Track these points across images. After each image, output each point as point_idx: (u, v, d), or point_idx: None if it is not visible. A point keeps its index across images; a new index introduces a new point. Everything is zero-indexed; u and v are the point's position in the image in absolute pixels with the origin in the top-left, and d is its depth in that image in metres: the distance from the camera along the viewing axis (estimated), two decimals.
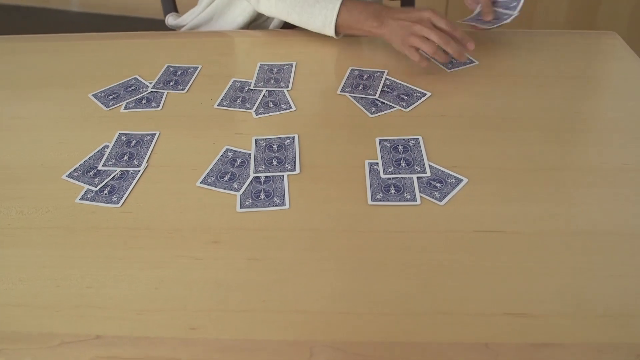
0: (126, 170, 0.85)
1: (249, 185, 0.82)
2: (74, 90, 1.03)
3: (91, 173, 0.85)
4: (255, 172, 0.84)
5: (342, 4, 1.03)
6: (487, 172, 0.83)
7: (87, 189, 0.82)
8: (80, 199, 0.81)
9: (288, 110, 0.96)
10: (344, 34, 1.08)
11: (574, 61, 1.07)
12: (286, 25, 1.22)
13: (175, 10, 1.44)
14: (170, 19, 1.39)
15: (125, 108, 0.98)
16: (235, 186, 0.82)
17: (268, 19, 1.25)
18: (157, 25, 2.62)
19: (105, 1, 2.86)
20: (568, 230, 0.74)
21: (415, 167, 0.84)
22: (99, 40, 1.19)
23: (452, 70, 1.05)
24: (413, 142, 0.89)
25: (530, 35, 1.15)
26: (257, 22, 1.25)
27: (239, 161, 0.86)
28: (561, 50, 1.10)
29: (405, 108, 0.96)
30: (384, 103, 0.97)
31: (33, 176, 0.85)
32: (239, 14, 1.23)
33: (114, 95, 1.01)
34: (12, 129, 0.95)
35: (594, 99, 0.98)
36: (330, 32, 1.05)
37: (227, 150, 0.88)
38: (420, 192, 0.81)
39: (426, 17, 0.98)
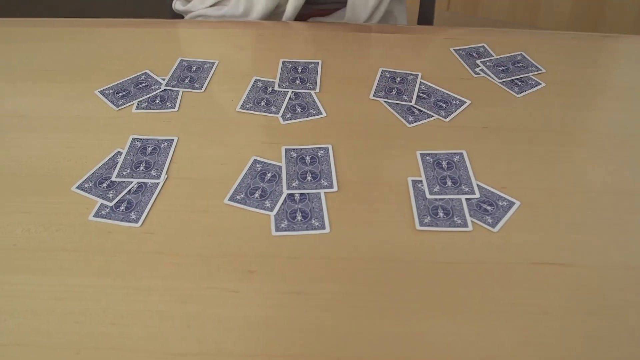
0: (144, 183, 0.76)
1: (283, 203, 0.74)
2: (78, 85, 0.93)
3: (104, 185, 0.76)
4: (288, 188, 0.76)
5: None
6: (539, 194, 0.77)
7: (101, 204, 0.73)
8: (94, 215, 0.72)
9: (318, 117, 0.88)
10: None
11: (632, 69, 1.00)
12: (299, 17, 1.14)
13: None
14: (178, 4, 1.28)
15: (138, 108, 0.88)
16: (268, 205, 0.74)
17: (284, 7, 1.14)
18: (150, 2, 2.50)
19: None
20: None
21: (463, 187, 0.77)
22: (102, 27, 1.08)
23: (520, 95, 0.97)
24: (457, 157, 0.82)
25: (579, 38, 1.08)
26: (276, 10, 1.15)
27: (269, 175, 0.78)
28: (619, 58, 1.03)
29: (444, 117, 0.89)
30: (421, 111, 0.90)
31: (38, 186, 0.76)
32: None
33: (123, 93, 0.91)
34: (10, 128, 0.85)
35: None
36: None
37: (254, 161, 0.80)
38: (470, 216, 0.74)
39: None
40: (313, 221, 0.72)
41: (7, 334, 0.60)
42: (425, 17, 1.34)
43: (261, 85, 0.93)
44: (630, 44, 1.08)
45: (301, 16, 1.18)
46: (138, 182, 0.76)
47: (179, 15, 1.29)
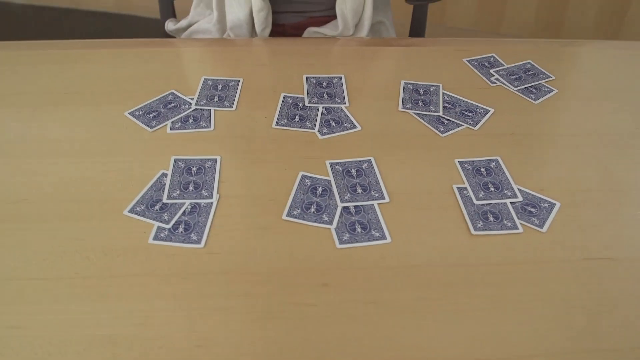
0: (197, 203, 0.76)
1: (340, 216, 0.75)
2: (104, 108, 0.91)
3: (157, 207, 0.75)
4: (342, 201, 0.77)
5: None
6: (576, 195, 0.81)
7: (158, 227, 0.72)
8: (154, 239, 0.71)
9: (353, 130, 0.89)
10: None
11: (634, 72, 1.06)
12: (281, 30, 1.17)
13: (174, 15, 1.33)
14: (170, 25, 1.28)
15: (172, 129, 0.88)
16: (326, 218, 0.75)
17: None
18: (113, 20, 2.47)
19: None
20: None
21: (505, 192, 0.80)
22: (119, 48, 1.06)
23: (537, 101, 1.01)
24: (494, 163, 0.85)
25: (601, 47, 1.14)
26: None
27: (320, 189, 0.79)
28: (620, 62, 1.09)
29: (473, 126, 0.92)
30: (450, 120, 0.92)
31: (87, 212, 0.74)
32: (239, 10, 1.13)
33: (154, 114, 0.90)
34: (44, 154, 0.83)
35: None
36: None
37: (303, 177, 0.80)
38: (518, 218, 0.77)
39: None
40: (373, 232, 0.73)
41: None
42: (418, 28, 1.37)
43: (291, 101, 0.94)
44: (628, 49, 1.15)
45: (298, 27, 1.20)
46: (191, 203, 0.76)
47: (172, 37, 1.29)
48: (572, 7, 2.26)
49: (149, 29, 2.30)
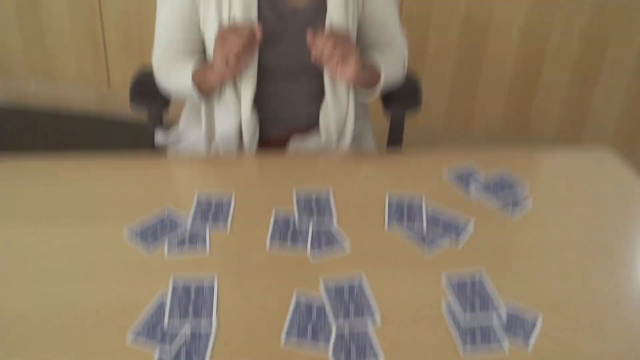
0: (196, 332, 0.78)
1: (335, 341, 0.78)
2: (104, 226, 0.95)
3: (158, 333, 0.77)
4: (336, 324, 0.80)
5: (194, 68, 1.13)
6: (557, 306, 0.85)
7: (160, 358, 0.74)
8: None
9: (343, 249, 0.94)
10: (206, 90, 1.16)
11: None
12: (266, 143, 1.24)
13: (161, 122, 1.38)
14: (160, 137, 1.32)
15: (169, 252, 0.91)
16: (322, 343, 0.78)
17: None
18: (95, 124, 2.52)
19: (33, 92, 2.70)
20: None
21: (490, 308, 0.84)
22: (111, 162, 1.11)
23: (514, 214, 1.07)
24: (478, 277, 0.90)
25: (573, 154, 1.22)
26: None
27: (315, 311, 0.82)
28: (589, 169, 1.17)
29: (455, 241, 0.97)
30: (434, 237, 0.97)
31: (89, 338, 0.76)
32: (224, 123, 1.21)
33: (151, 235, 0.93)
34: (40, 279, 0.85)
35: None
36: (195, 92, 1.14)
37: (297, 299, 0.84)
38: (505, 331, 0.81)
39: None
40: (368, 356, 0.76)
41: None
42: (396, 135, 1.44)
43: (282, 219, 0.98)
44: (597, 157, 1.23)
45: (283, 139, 1.27)
46: (192, 332, 0.78)
47: (162, 150, 1.33)
48: (536, 107, 2.40)
49: (133, 130, 2.34)
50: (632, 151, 2.37)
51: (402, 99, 1.37)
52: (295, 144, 1.26)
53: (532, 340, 0.80)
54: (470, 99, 2.44)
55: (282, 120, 1.27)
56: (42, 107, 2.66)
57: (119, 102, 2.54)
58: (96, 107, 2.65)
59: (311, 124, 1.26)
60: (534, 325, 0.82)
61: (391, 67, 1.22)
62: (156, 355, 0.75)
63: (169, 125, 1.35)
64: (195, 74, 1.13)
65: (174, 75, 1.18)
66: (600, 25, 2.20)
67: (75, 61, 2.61)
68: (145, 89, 1.32)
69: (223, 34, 1.05)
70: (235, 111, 1.18)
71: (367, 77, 1.15)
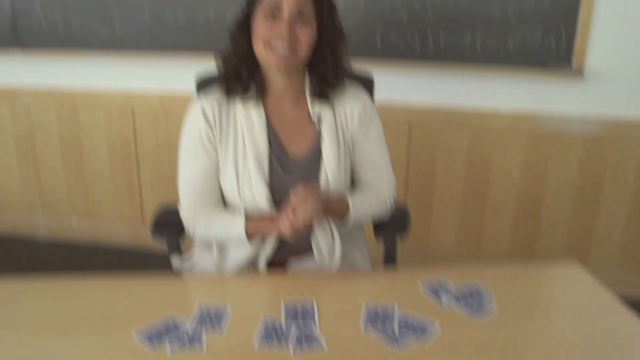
0: None
1: None
2: (117, 330, 1.11)
3: None
4: None
5: (246, 220, 1.35)
6: None
7: None
8: None
9: (322, 352, 1.07)
10: (256, 238, 1.38)
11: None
12: (268, 264, 1.42)
13: (179, 250, 1.58)
14: (176, 262, 1.52)
15: (171, 350, 1.06)
16: None
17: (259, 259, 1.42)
18: (128, 255, 2.77)
19: (74, 228, 2.99)
20: None
21: None
22: (125, 281, 1.30)
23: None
24: None
25: (516, 268, 1.36)
26: (253, 259, 1.43)
27: None
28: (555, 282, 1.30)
29: (423, 343, 1.09)
30: (405, 340, 1.10)
31: None
32: (238, 253, 1.41)
33: (157, 338, 1.09)
34: None
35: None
36: (245, 241, 1.36)
37: None
38: None
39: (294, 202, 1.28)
40: None
41: None
42: (390, 257, 1.61)
43: (270, 325, 1.13)
44: (556, 270, 1.36)
45: (283, 261, 1.44)
46: None
47: (179, 274, 1.52)
48: (544, 231, 2.54)
49: (158, 263, 2.58)
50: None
51: (390, 226, 1.55)
52: (294, 265, 1.44)
53: None
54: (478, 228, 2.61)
55: (283, 247, 1.45)
56: (82, 242, 2.93)
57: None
58: (130, 240, 2.91)
59: (306, 248, 1.45)
60: None
61: (365, 204, 1.45)
62: None
63: (186, 253, 1.55)
64: (249, 226, 1.36)
65: (219, 225, 1.39)
66: (595, 158, 2.40)
67: (112, 200, 2.91)
68: (165, 222, 1.55)
69: (302, 197, 1.28)
70: (252, 245, 1.39)
71: (335, 211, 1.39)
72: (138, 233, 2.90)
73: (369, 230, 1.56)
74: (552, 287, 1.30)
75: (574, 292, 1.27)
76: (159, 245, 1.55)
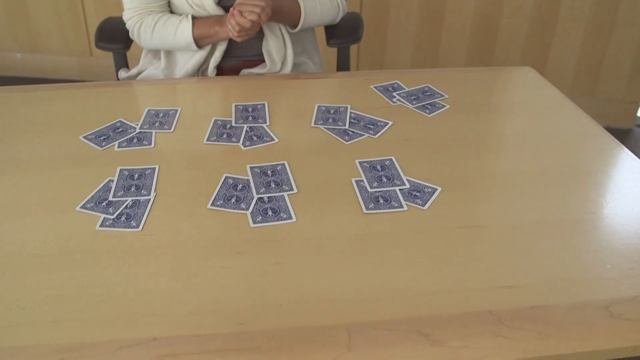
0: (137, 200, 0.92)
1: (255, 205, 0.91)
2: (64, 135, 1.08)
3: (103, 204, 0.91)
4: (257, 193, 0.94)
5: (193, 23, 1.28)
6: (455, 182, 0.98)
7: (104, 218, 0.88)
8: (100, 226, 0.86)
9: (272, 142, 1.07)
10: (204, 45, 1.33)
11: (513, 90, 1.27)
12: (219, 72, 1.38)
13: (127, 65, 1.52)
14: (122, 73, 1.47)
15: (119, 147, 1.05)
16: (243, 206, 0.91)
17: (209, 64, 1.37)
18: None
19: (18, 65, 2.85)
20: (516, 222, 0.90)
21: (395, 182, 0.98)
22: (71, 89, 1.24)
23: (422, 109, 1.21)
24: (388, 161, 1.03)
25: (470, 72, 1.35)
26: (203, 67, 1.38)
27: (240, 186, 0.95)
28: (504, 83, 1.30)
29: (374, 135, 1.10)
30: (354, 132, 1.11)
31: (47, 210, 0.90)
32: (187, 60, 1.35)
33: (104, 137, 1.07)
34: (14, 170, 0.99)
35: (514, 120, 1.17)
36: (193, 47, 1.31)
37: (226, 177, 0.97)
38: (405, 200, 0.94)
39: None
40: (282, 214, 0.90)
41: (48, 313, 0.73)
42: (343, 68, 1.58)
43: (220, 123, 1.12)
44: (510, 73, 1.36)
45: (234, 68, 1.39)
46: (132, 200, 0.92)
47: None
48: (500, 46, 2.52)
49: None
50: None
51: (342, 33, 1.50)
52: (244, 73, 1.40)
53: (429, 203, 0.93)
54: (435, 43, 2.57)
55: (234, 52, 1.40)
56: (28, 78, 2.81)
57: (101, 69, 2.69)
58: (79, 75, 2.80)
59: (257, 56, 1.40)
60: (432, 195, 0.96)
61: (317, 4, 1.37)
62: (102, 216, 0.88)
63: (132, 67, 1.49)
64: (196, 30, 1.29)
65: (165, 30, 1.31)
66: None
67: (57, 33, 2.75)
68: (109, 32, 1.46)
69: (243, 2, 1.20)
70: (200, 51, 1.33)
71: (286, 11, 1.33)
72: (87, 68, 2.79)
73: (322, 39, 1.51)
74: (506, 88, 1.31)
75: (528, 93, 1.28)
76: (113, 78, 1.48)
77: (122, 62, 1.50)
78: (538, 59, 2.53)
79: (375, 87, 1.26)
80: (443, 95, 1.24)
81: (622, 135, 2.59)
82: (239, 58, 1.41)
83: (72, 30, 2.73)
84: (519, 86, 1.31)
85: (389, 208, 0.92)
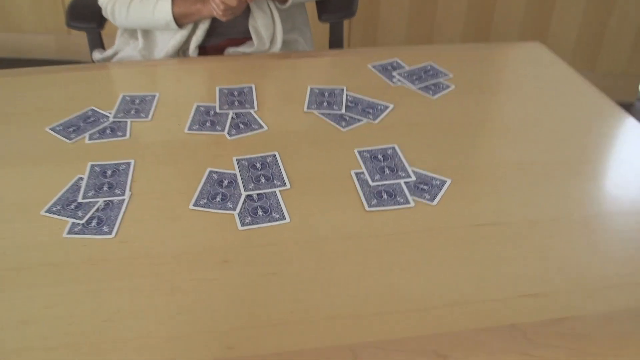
0: (110, 201, 0.81)
1: (243, 203, 0.81)
2: (27, 127, 0.97)
3: (72, 206, 0.80)
4: (246, 190, 0.83)
5: (172, 2, 1.17)
6: (465, 173, 0.88)
7: (73, 223, 0.77)
8: (68, 233, 0.76)
9: (260, 130, 0.96)
10: (185, 24, 1.21)
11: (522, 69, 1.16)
12: (202, 52, 1.26)
13: (102, 45, 1.40)
14: (97, 55, 1.35)
15: (90, 139, 0.94)
16: (230, 206, 0.81)
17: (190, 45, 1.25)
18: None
19: None
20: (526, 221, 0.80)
21: (400, 173, 0.88)
22: (41, 74, 1.12)
23: (434, 95, 1.10)
24: (390, 150, 0.92)
25: (475, 49, 1.24)
26: (184, 47, 1.25)
27: (226, 182, 0.85)
28: (509, 60, 1.19)
29: (373, 120, 1.00)
30: (352, 117, 1.00)
31: (5, 215, 0.79)
32: (167, 40, 1.23)
33: (74, 128, 0.96)
34: None
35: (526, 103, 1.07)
36: (173, 25, 1.19)
37: (210, 172, 0.87)
38: (411, 194, 0.84)
39: None
40: (274, 214, 0.80)
41: (6, 342, 0.62)
42: (336, 45, 1.47)
43: (203, 109, 1.01)
44: (518, 49, 1.26)
45: (218, 48, 1.28)
46: (104, 201, 0.81)
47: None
48: (499, 18, 2.41)
49: None
50: None
51: (335, 7, 1.39)
52: (230, 52, 1.28)
53: (439, 198, 0.83)
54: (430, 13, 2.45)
55: (217, 29, 1.28)
56: (5, 59, 2.67)
57: (80, 48, 2.55)
58: (57, 54, 2.66)
59: (243, 34, 1.28)
60: (441, 187, 0.86)
61: None
62: (70, 222, 0.78)
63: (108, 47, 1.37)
64: (176, 8, 1.17)
65: (142, 7, 1.19)
66: None
67: (33, 11, 2.60)
68: (82, 9, 1.33)
69: None
70: (181, 30, 1.21)
71: None
72: (65, 46, 2.65)
73: (313, 15, 1.39)
74: (515, 66, 1.20)
75: (538, 71, 1.17)
76: (89, 58, 1.36)
77: (97, 42, 1.38)
78: (537, 33, 2.41)
79: (373, 66, 1.15)
80: (447, 75, 1.13)
81: (624, 110, 2.49)
82: (224, 36, 1.29)
83: (47, 6, 2.58)
84: (529, 63, 1.20)
85: (394, 204, 0.82)
